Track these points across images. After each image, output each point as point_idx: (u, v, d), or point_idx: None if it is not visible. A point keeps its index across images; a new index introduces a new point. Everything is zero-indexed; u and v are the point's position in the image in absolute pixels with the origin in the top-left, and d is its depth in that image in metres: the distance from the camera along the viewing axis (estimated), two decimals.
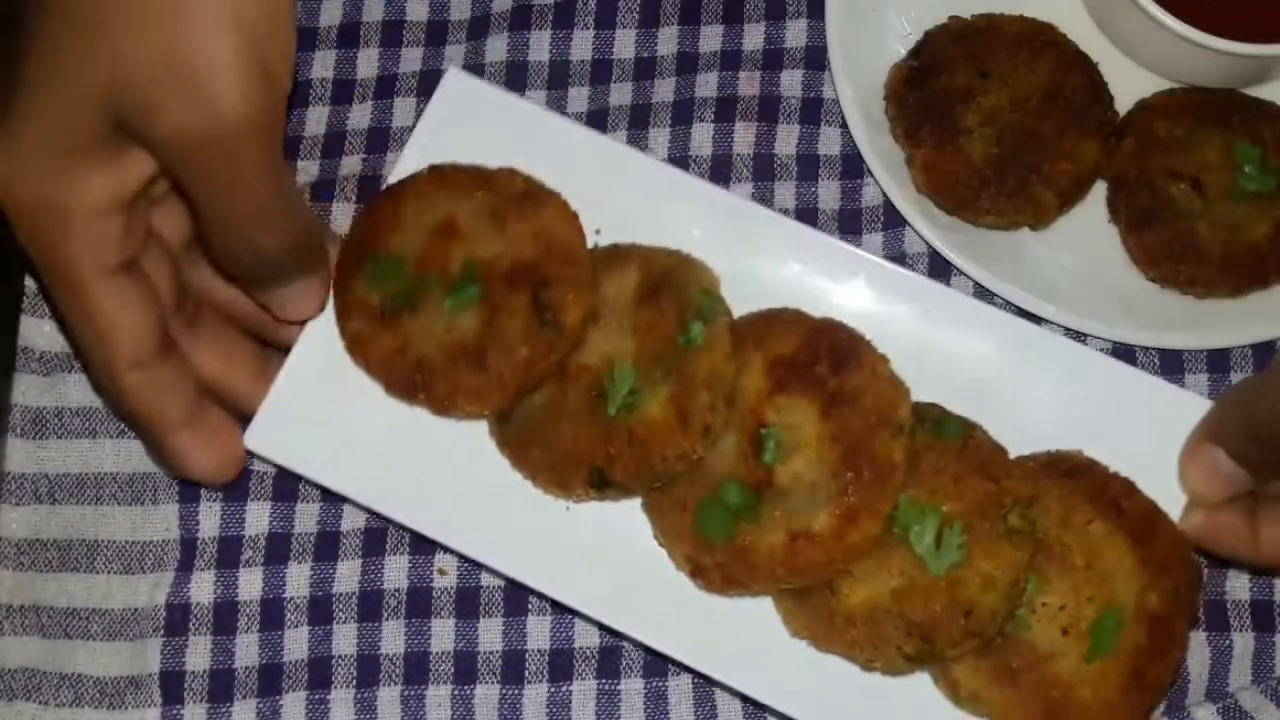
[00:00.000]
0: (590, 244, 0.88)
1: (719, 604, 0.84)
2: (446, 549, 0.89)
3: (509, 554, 0.86)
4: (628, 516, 0.86)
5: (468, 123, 0.91)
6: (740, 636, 0.84)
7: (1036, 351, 0.88)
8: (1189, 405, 0.86)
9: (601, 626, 0.89)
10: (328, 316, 0.88)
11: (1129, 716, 0.80)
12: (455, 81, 0.92)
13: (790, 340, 0.84)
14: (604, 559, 0.85)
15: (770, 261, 0.89)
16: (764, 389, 0.83)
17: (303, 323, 0.89)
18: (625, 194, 0.90)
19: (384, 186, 0.91)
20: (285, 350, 0.89)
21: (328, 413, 0.88)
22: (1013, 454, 0.84)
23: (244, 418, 0.88)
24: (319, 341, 0.88)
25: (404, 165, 0.91)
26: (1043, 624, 0.81)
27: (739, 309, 0.86)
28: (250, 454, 0.89)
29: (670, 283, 0.85)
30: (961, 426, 0.83)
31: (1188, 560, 0.83)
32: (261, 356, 0.90)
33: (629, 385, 0.83)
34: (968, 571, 0.79)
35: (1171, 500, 0.84)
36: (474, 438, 0.87)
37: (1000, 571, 0.79)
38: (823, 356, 0.83)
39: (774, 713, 0.86)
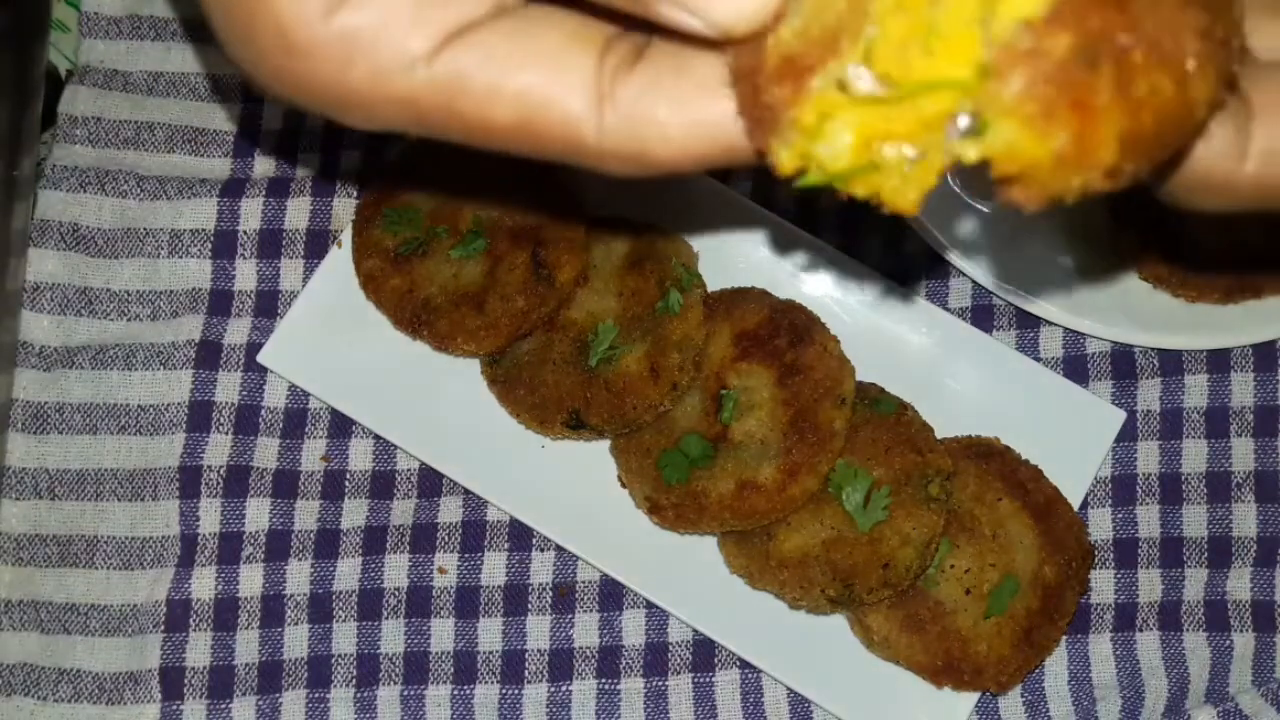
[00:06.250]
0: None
1: (669, 540, 0.93)
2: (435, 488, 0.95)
3: (488, 480, 0.94)
4: (596, 457, 0.94)
5: None
6: (685, 571, 0.93)
7: (969, 349, 0.96)
8: (1095, 408, 0.95)
9: (561, 552, 0.95)
10: (345, 254, 0.96)
11: (1017, 670, 0.90)
12: None
13: (755, 316, 0.93)
14: (572, 492, 0.94)
15: (744, 244, 0.98)
16: (728, 356, 0.92)
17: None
18: None
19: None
20: None
21: (337, 340, 0.96)
22: (938, 434, 0.92)
23: None
24: (335, 276, 0.96)
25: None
26: (950, 583, 0.90)
27: (713, 284, 0.95)
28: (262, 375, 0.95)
29: (654, 254, 0.93)
30: (896, 405, 0.92)
31: (1082, 540, 0.92)
32: None
33: (610, 341, 0.91)
34: (889, 530, 0.88)
35: (1071, 489, 0.93)
36: (467, 375, 0.95)
37: (917, 532, 0.88)
38: (782, 332, 0.92)
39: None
